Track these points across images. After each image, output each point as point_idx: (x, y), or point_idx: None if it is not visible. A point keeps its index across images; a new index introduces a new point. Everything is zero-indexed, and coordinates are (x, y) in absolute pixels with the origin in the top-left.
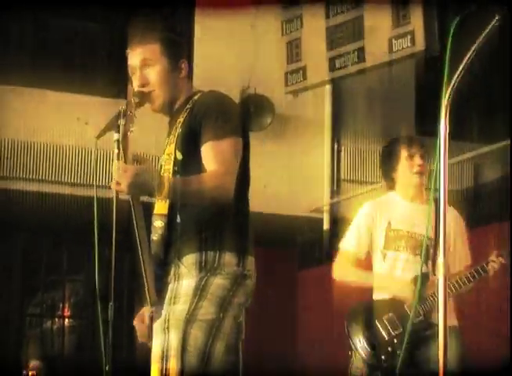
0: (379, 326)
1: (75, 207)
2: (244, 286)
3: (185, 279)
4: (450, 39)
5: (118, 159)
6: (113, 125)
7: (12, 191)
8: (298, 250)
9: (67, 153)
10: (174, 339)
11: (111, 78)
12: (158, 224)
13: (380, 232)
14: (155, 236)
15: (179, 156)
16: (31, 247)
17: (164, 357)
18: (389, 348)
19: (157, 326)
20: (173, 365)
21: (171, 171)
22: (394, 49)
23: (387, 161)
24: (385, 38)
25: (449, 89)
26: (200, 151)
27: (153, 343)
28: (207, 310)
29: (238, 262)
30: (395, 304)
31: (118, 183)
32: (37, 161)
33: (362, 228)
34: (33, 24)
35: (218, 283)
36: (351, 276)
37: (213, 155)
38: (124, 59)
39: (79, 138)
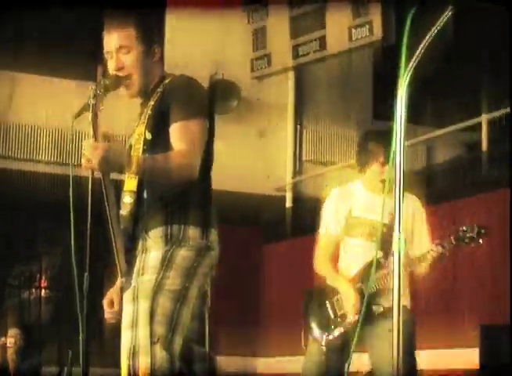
0: (328, 306)
1: (52, 184)
2: (208, 257)
3: (152, 251)
4: (407, 28)
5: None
6: (88, 107)
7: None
8: (263, 226)
9: (44, 132)
10: (142, 308)
11: (88, 61)
12: (127, 200)
13: (343, 217)
14: (124, 212)
15: (148, 136)
16: (10, 222)
17: (134, 325)
18: (332, 326)
19: (127, 296)
20: (142, 333)
21: (140, 150)
22: (353, 38)
23: (363, 155)
24: (345, 28)
25: (405, 76)
26: (168, 131)
27: (122, 313)
28: (173, 280)
29: (202, 235)
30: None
31: (89, 160)
32: (16, 141)
33: (331, 215)
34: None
35: (183, 254)
36: (325, 274)
37: (180, 135)
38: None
39: (56, 119)
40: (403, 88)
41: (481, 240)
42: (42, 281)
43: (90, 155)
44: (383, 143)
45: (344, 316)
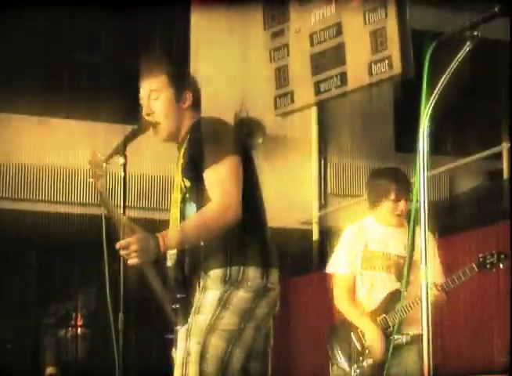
0: (353, 338)
1: (86, 225)
2: (267, 297)
3: (209, 291)
4: (427, 63)
5: (125, 191)
6: (119, 150)
7: (27, 211)
8: (290, 259)
9: (78, 174)
10: (194, 346)
11: (118, 105)
12: (171, 251)
13: (358, 253)
14: (170, 262)
15: (187, 183)
16: (46, 263)
17: (184, 363)
18: (361, 358)
19: (181, 334)
20: (192, 371)
21: (178, 199)
22: (373, 73)
23: (374, 193)
24: (365, 63)
25: (426, 110)
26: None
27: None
28: (228, 321)
29: (262, 276)
30: (370, 318)
31: (129, 257)
32: (51, 184)
33: (347, 251)
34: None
35: (240, 295)
36: (345, 311)
37: (213, 181)
38: (128, 88)
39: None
40: (425, 121)
41: (501, 265)
42: (78, 319)
43: (125, 255)
44: (393, 180)
45: (371, 348)
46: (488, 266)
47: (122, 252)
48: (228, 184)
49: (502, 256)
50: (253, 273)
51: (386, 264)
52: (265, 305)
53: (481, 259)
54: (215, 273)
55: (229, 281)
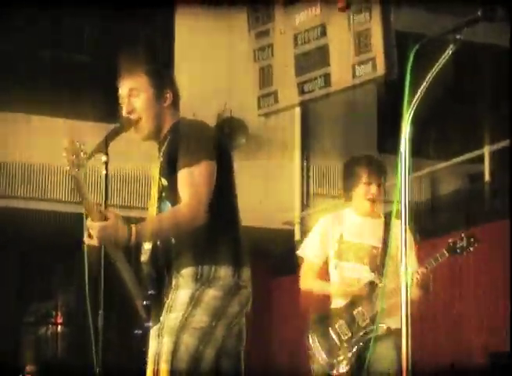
0: (331, 333)
1: (67, 223)
2: (239, 296)
3: (181, 289)
4: (410, 65)
5: (107, 189)
6: (101, 148)
7: (7, 208)
8: (272, 260)
9: (57, 172)
10: (166, 344)
11: (101, 104)
12: (147, 246)
13: (334, 242)
14: (144, 258)
15: (164, 182)
16: (27, 261)
17: (156, 361)
18: (339, 352)
19: (153, 332)
20: (164, 368)
21: (156, 197)
22: (357, 74)
23: (347, 179)
24: (349, 65)
25: (409, 111)
26: None
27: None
28: (199, 318)
29: (233, 274)
30: (346, 311)
31: (90, 236)
32: (32, 180)
33: (319, 239)
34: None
35: (212, 294)
36: (313, 286)
37: (185, 184)
38: (112, 87)
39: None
40: (407, 123)
41: (471, 248)
42: (58, 317)
43: (91, 232)
44: (364, 164)
45: (348, 340)
46: (458, 251)
47: (88, 232)
48: (198, 187)
49: (472, 239)
50: (224, 272)
51: (361, 255)
52: (237, 303)
53: (451, 244)
54: (187, 272)
55: (201, 280)
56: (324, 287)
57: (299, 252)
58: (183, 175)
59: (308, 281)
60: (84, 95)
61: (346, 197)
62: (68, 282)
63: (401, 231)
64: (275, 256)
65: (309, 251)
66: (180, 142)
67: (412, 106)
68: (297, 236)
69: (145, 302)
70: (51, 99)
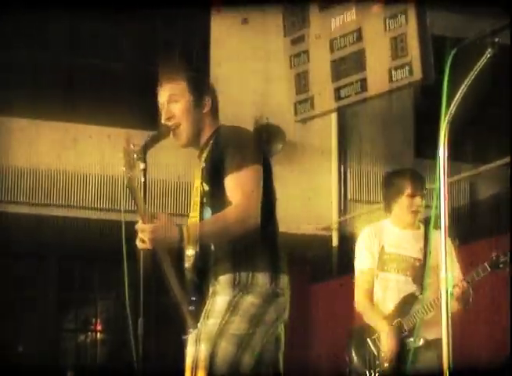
0: (370, 343)
1: (106, 230)
2: (276, 303)
3: (219, 296)
4: (447, 70)
5: (145, 197)
6: (139, 156)
7: (47, 217)
8: (310, 266)
9: (97, 180)
10: (203, 351)
11: (138, 111)
12: (190, 252)
13: (376, 254)
14: (187, 264)
15: (206, 187)
16: (66, 268)
17: (194, 368)
18: (377, 362)
19: (190, 338)
20: (201, 375)
21: (198, 203)
22: (393, 79)
23: (390, 191)
24: (385, 69)
25: (447, 116)
26: (223, 183)
27: (187, 353)
28: (237, 325)
29: (271, 281)
30: (385, 321)
31: (142, 241)
32: (72, 189)
33: (366, 251)
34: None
35: (249, 301)
36: (365, 311)
37: (235, 186)
38: (151, 94)
39: (106, 167)
40: (445, 128)
41: None
42: (98, 324)
43: (141, 236)
44: (408, 177)
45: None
46: (500, 266)
47: (140, 235)
48: (249, 190)
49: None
50: (262, 279)
51: (402, 266)
52: (274, 310)
53: (493, 258)
54: (224, 278)
55: (238, 286)
56: (372, 320)
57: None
58: (233, 179)
59: (360, 303)
60: (121, 102)
61: (386, 209)
62: (107, 289)
63: (441, 237)
64: (312, 262)
65: (358, 263)
66: (225, 148)
67: (450, 110)
68: (335, 242)
69: (190, 308)
70: (87, 106)
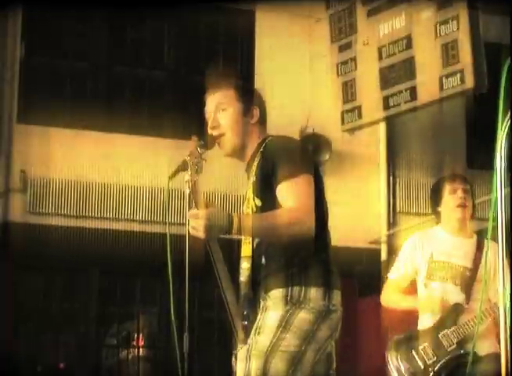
0: (415, 356)
1: (148, 243)
2: (329, 320)
3: (270, 311)
4: (504, 79)
5: (190, 204)
6: (184, 166)
7: (88, 229)
8: (358, 279)
9: (139, 192)
10: (255, 367)
11: (180, 120)
12: (245, 265)
13: (424, 262)
14: (243, 278)
15: (258, 202)
16: (106, 281)
17: None
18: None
19: (241, 354)
20: None
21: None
22: (444, 87)
23: (434, 197)
24: (436, 77)
25: (504, 126)
26: (275, 195)
27: (236, 371)
28: (289, 342)
29: (324, 297)
30: (431, 334)
31: (195, 228)
32: (112, 201)
33: (407, 258)
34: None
35: (302, 317)
36: (396, 301)
37: (288, 194)
38: (192, 104)
39: (150, 177)
40: (502, 138)
41: None
42: (140, 340)
43: (194, 224)
44: (448, 177)
45: (433, 365)
46: None
47: (191, 223)
48: (303, 197)
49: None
50: (315, 294)
51: (451, 274)
52: (327, 327)
53: None
54: (276, 293)
55: (291, 302)
56: (409, 301)
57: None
58: (284, 187)
59: (390, 296)
60: (163, 112)
61: (436, 216)
62: (150, 303)
63: (498, 250)
64: (360, 276)
65: (394, 271)
66: (275, 159)
67: (507, 119)
68: (384, 256)
69: (244, 322)
70: (131, 116)
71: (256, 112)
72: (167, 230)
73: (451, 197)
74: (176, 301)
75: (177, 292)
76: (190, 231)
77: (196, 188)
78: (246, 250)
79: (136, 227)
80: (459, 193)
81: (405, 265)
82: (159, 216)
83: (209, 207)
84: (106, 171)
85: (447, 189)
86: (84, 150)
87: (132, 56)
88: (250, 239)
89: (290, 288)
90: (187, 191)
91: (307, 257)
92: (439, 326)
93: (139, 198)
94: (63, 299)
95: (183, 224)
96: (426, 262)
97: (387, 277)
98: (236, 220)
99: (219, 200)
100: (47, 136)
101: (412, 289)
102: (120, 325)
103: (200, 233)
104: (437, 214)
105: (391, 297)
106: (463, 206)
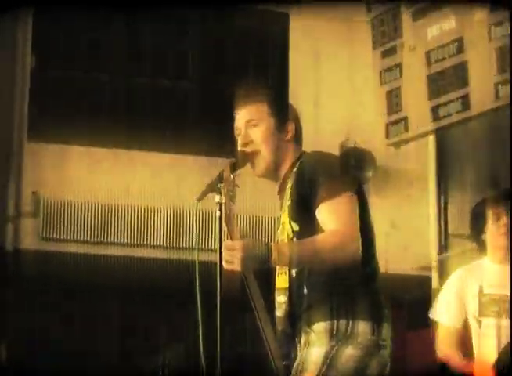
0: None
1: (173, 271)
2: (378, 357)
3: (314, 346)
4: None
5: (221, 233)
6: (214, 186)
7: (107, 256)
8: (406, 310)
9: (162, 215)
10: None
11: (207, 136)
12: (281, 299)
13: (473, 298)
14: (279, 312)
15: (295, 227)
16: (130, 312)
17: None
18: None
19: None
20: None
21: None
22: (500, 95)
23: (476, 223)
24: (490, 84)
25: None
26: (315, 218)
27: None
28: None
29: (372, 331)
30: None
31: (230, 262)
32: (131, 225)
33: (454, 297)
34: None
35: (349, 353)
36: (453, 357)
37: (329, 215)
38: (220, 118)
39: (175, 199)
40: None
41: None
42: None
43: (229, 256)
44: (491, 200)
45: None
46: None
47: (226, 256)
48: (347, 219)
49: None
50: (362, 328)
51: (505, 308)
52: (376, 364)
53: None
54: (320, 327)
55: (336, 336)
56: (466, 358)
57: (432, 315)
58: (325, 208)
59: (446, 350)
60: (187, 127)
61: (479, 246)
62: (176, 336)
63: None
64: (408, 306)
65: (443, 313)
66: (313, 178)
67: None
68: (435, 284)
69: (284, 362)
70: (152, 132)
71: (291, 127)
72: (195, 257)
73: (496, 225)
74: (205, 335)
75: (207, 325)
76: (225, 265)
77: (231, 217)
78: (282, 281)
79: (160, 254)
80: (504, 219)
81: (453, 306)
82: (186, 241)
83: (244, 237)
84: (126, 193)
85: (491, 215)
86: (101, 170)
87: (153, 65)
88: (287, 269)
89: (335, 321)
90: (217, 213)
91: (353, 286)
92: (495, 368)
93: (163, 222)
94: (81, 333)
95: (213, 250)
96: (475, 297)
97: (435, 323)
98: (274, 249)
99: (248, 225)
100: (60, 155)
101: (467, 336)
102: (143, 359)
103: (236, 266)
104: (480, 243)
105: (447, 351)
106: (508, 234)
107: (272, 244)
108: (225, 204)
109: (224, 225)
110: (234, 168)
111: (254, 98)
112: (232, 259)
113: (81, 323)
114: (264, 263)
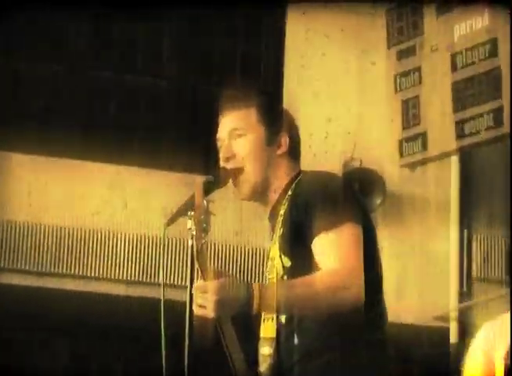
0: None
1: (133, 308)
2: None
3: None
4: None
5: (192, 271)
6: (183, 212)
7: (55, 290)
8: (418, 367)
9: (124, 243)
10: None
11: (183, 147)
12: (266, 351)
13: (501, 360)
14: (263, 367)
15: (287, 262)
16: (78, 353)
17: None
18: None
19: None
20: None
21: (275, 281)
22: None
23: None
24: None
25: None
26: (310, 252)
27: None
28: None
29: None
30: None
31: (202, 306)
32: (84, 254)
33: (483, 352)
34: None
35: None
36: None
37: (328, 249)
38: (199, 124)
39: (141, 224)
40: None
41: None
42: None
43: (201, 300)
44: None
45: None
46: None
47: (198, 299)
48: (349, 254)
49: None
50: None
51: None
52: None
53: None
54: None
55: None
56: None
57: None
58: (323, 241)
59: None
60: (158, 134)
61: None
62: None
63: None
64: (422, 363)
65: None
66: (310, 202)
67: None
68: (453, 337)
69: None
70: (115, 139)
71: (284, 140)
72: (161, 293)
73: None
74: None
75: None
76: (196, 311)
77: (203, 252)
78: (269, 329)
79: (119, 290)
80: None
81: (482, 368)
82: (151, 275)
83: (220, 277)
84: (82, 214)
85: None
86: (53, 184)
87: (121, 58)
88: (274, 315)
89: None
90: (189, 242)
91: (354, 336)
92: None
93: (124, 250)
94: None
95: (183, 286)
96: (503, 360)
97: None
98: (256, 291)
99: (227, 259)
100: (4, 165)
101: None
102: None
103: (209, 312)
104: None
105: None
106: None
107: (255, 284)
108: (196, 236)
109: (195, 261)
110: (208, 190)
111: (240, 102)
112: (204, 303)
113: (21, 367)
114: (242, 308)
